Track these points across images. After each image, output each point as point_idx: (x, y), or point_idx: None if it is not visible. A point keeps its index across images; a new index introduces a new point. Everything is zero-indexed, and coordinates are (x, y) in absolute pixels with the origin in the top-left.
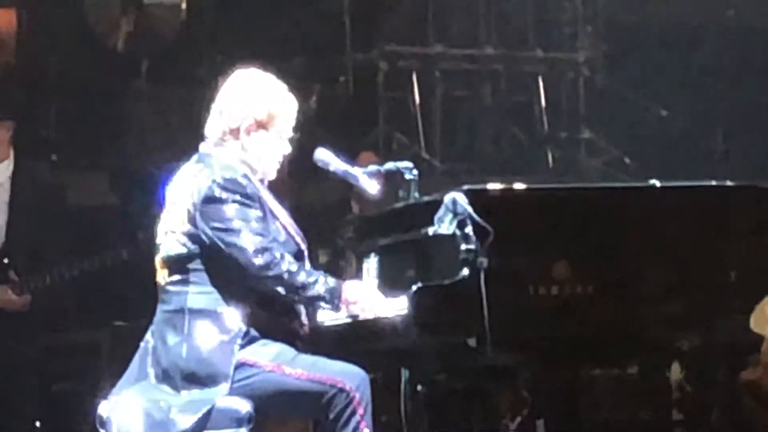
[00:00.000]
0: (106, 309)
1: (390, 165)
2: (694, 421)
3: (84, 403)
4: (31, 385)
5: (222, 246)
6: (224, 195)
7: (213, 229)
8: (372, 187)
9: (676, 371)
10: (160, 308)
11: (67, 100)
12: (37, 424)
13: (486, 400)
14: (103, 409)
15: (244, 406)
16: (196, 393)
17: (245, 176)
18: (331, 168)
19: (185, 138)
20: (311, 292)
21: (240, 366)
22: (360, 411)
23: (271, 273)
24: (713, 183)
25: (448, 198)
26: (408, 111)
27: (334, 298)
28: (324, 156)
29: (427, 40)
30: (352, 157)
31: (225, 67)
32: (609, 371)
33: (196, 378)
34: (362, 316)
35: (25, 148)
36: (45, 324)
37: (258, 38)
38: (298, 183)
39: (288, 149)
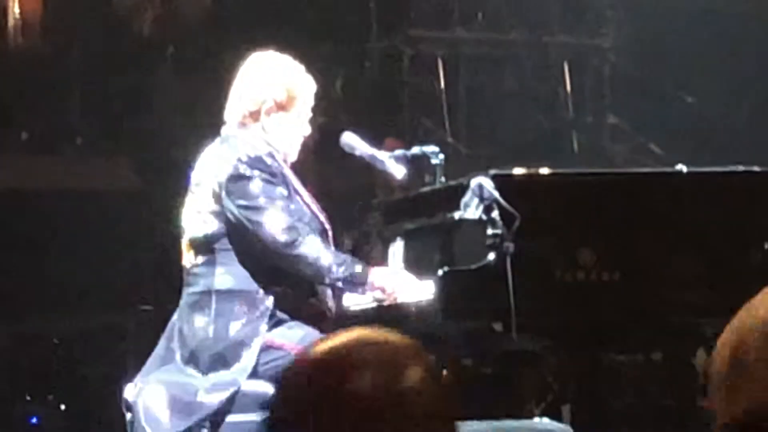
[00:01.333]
0: (131, 293)
1: (416, 149)
2: None
3: (109, 386)
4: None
5: (247, 223)
6: (250, 172)
7: (239, 207)
8: (398, 171)
9: (701, 357)
10: (186, 291)
11: (91, 84)
12: (62, 407)
13: (511, 386)
14: (129, 392)
15: (270, 390)
16: (222, 374)
17: (270, 155)
18: (357, 152)
19: (210, 123)
20: (337, 275)
21: (266, 348)
22: None
23: (296, 251)
24: (740, 168)
25: (474, 182)
26: (433, 96)
27: (360, 282)
28: (350, 140)
29: (452, 26)
30: (377, 143)
31: (250, 53)
32: (634, 357)
33: (222, 359)
34: (388, 302)
35: (49, 132)
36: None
37: (283, 24)
38: (325, 167)
39: (308, 130)
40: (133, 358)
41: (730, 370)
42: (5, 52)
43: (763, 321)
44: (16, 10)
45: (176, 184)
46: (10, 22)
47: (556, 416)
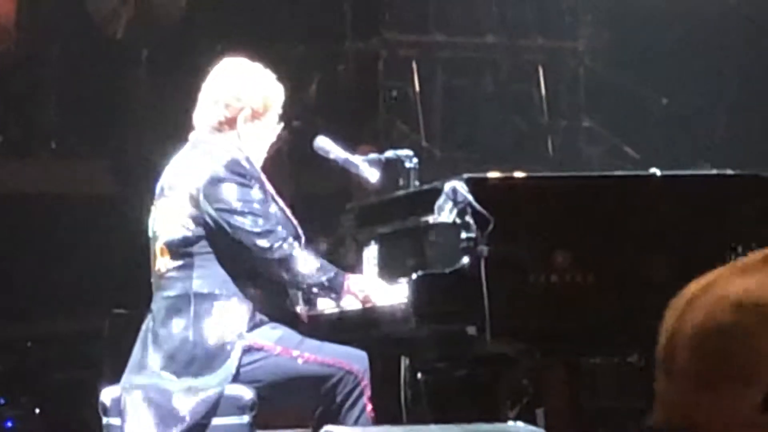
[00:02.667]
0: (106, 296)
1: (390, 153)
2: None
3: (84, 390)
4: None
5: (226, 227)
6: (228, 176)
7: (217, 210)
8: (372, 175)
9: None
10: (161, 295)
11: (66, 87)
12: (37, 410)
13: (486, 389)
14: (106, 396)
15: (247, 393)
16: (202, 379)
17: (246, 159)
18: (332, 156)
19: (185, 126)
20: (313, 279)
21: (247, 350)
22: (367, 393)
23: (275, 255)
24: (714, 172)
25: (448, 186)
26: (408, 99)
27: (335, 288)
28: (324, 144)
29: (428, 29)
30: (351, 146)
31: (225, 56)
32: (609, 360)
33: (202, 363)
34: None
35: (24, 135)
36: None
37: (257, 26)
38: (298, 171)
39: (274, 138)
40: (108, 361)
41: (660, 365)
42: None
43: (693, 326)
44: None
45: (152, 188)
46: None
47: (531, 420)
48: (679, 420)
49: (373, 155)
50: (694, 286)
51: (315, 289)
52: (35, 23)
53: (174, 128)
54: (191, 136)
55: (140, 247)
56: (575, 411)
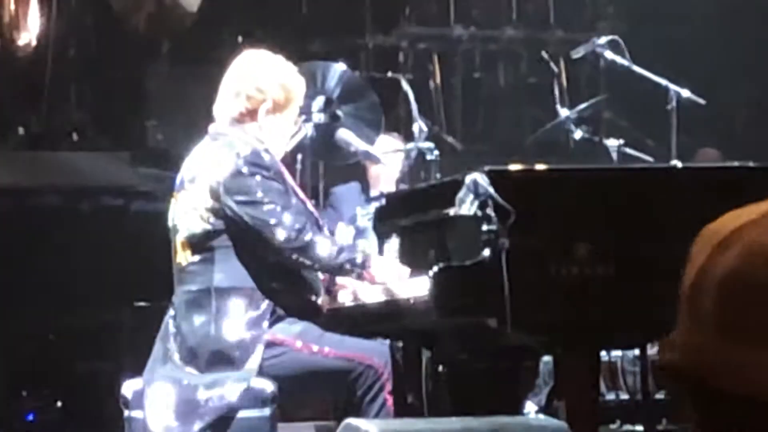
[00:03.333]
0: (128, 289)
1: (411, 146)
2: None
3: (106, 382)
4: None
5: (247, 219)
6: (249, 169)
7: (238, 203)
8: (393, 167)
9: None
10: (182, 289)
11: (87, 80)
12: (59, 403)
13: (506, 382)
14: (127, 389)
15: (269, 386)
16: (225, 373)
17: (266, 151)
18: (353, 149)
19: (206, 119)
20: (335, 263)
21: (269, 345)
22: (388, 387)
23: (296, 245)
24: (735, 164)
25: (469, 178)
26: (428, 92)
27: (359, 268)
28: (345, 136)
29: (448, 22)
30: (374, 137)
31: (245, 48)
32: (630, 352)
33: (225, 358)
34: (383, 293)
35: (45, 128)
36: (66, 304)
37: (278, 19)
38: (320, 164)
39: (295, 129)
40: (129, 354)
41: (683, 304)
42: (1, 49)
43: (724, 271)
44: (12, 6)
45: (172, 180)
46: (6, 18)
47: (552, 412)
48: (694, 366)
49: (394, 148)
50: (730, 222)
51: (337, 271)
52: (56, 16)
53: (195, 120)
54: (211, 128)
55: (161, 239)
56: (596, 403)
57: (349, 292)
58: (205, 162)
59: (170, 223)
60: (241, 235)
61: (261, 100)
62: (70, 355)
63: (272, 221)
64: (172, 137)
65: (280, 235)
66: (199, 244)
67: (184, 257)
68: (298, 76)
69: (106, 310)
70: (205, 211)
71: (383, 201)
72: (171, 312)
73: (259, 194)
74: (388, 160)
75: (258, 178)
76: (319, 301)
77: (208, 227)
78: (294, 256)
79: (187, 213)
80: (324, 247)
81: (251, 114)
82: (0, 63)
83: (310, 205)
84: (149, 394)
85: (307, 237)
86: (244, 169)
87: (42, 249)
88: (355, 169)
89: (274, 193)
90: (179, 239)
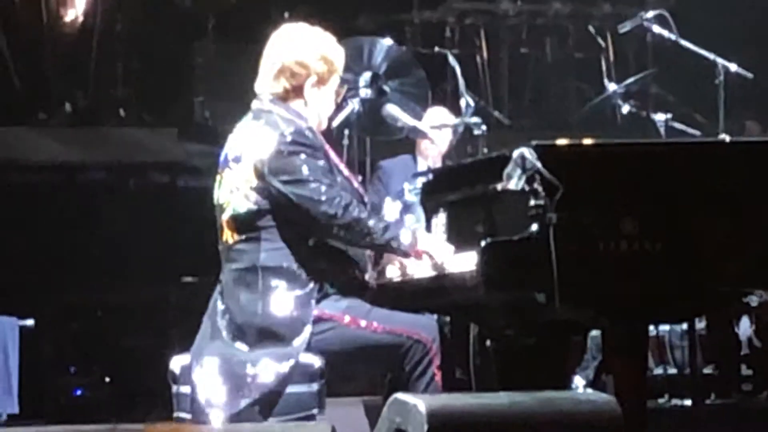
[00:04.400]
0: (174, 265)
1: (458, 121)
2: (762, 375)
3: (153, 358)
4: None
5: (293, 198)
6: (292, 148)
7: (283, 182)
8: (440, 142)
9: (745, 326)
10: (228, 267)
11: (134, 56)
12: (107, 379)
13: (554, 357)
14: (175, 364)
15: (317, 362)
16: (273, 350)
17: (310, 129)
18: (399, 124)
19: (251, 93)
20: (382, 240)
21: (316, 320)
22: (436, 362)
23: (342, 222)
24: None
25: (516, 153)
26: (475, 67)
27: (405, 246)
28: (393, 111)
29: None
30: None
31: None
32: (677, 327)
33: (272, 335)
34: (430, 269)
35: (92, 105)
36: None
37: None
38: (367, 139)
39: (338, 101)
40: (176, 330)
41: None
42: (47, 25)
43: None
44: None
45: (217, 156)
46: None
47: (600, 386)
48: None
49: (441, 122)
50: None
51: (384, 248)
52: None
53: (242, 97)
54: (254, 104)
55: (208, 215)
56: (644, 377)
57: (397, 267)
58: (249, 141)
59: (215, 201)
60: (287, 214)
61: (306, 75)
62: (117, 330)
63: (318, 199)
64: (219, 113)
65: (327, 212)
66: (245, 224)
67: (230, 236)
68: (338, 46)
69: (153, 285)
70: (250, 191)
71: (430, 176)
72: (219, 289)
73: (305, 173)
74: (435, 135)
75: (302, 156)
76: (366, 277)
77: (253, 207)
78: (341, 233)
79: (232, 192)
80: (370, 224)
81: (296, 90)
82: (47, 39)
83: (355, 182)
84: (198, 369)
85: (354, 214)
86: (288, 149)
87: (89, 225)
88: (405, 144)
89: (319, 171)
90: (225, 218)
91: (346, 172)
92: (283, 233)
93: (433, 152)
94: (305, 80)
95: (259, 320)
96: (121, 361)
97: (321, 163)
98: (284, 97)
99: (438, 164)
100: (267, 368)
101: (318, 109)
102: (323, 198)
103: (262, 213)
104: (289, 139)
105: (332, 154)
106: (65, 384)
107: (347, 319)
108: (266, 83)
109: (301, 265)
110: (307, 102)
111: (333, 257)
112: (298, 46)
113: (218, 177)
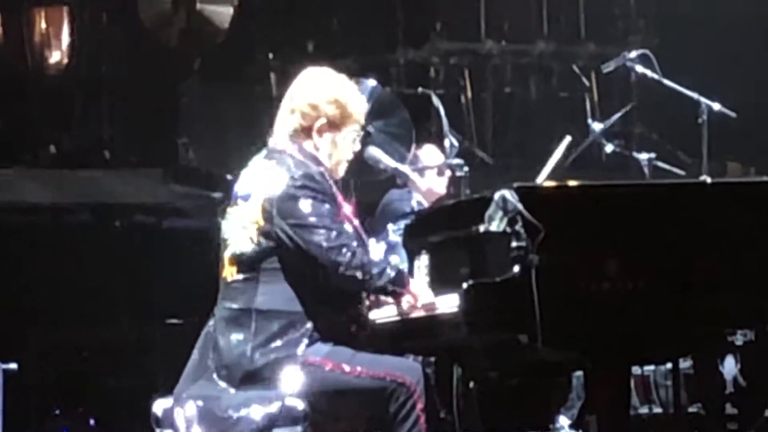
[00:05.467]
0: (159, 307)
1: (440, 162)
2: (748, 415)
3: (138, 400)
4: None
5: (301, 243)
6: (301, 192)
7: (291, 225)
8: (422, 183)
9: (730, 365)
10: (224, 305)
11: (118, 98)
12: (92, 421)
13: (537, 397)
14: (158, 407)
15: (300, 404)
16: (258, 392)
17: (320, 173)
18: (382, 166)
19: (237, 135)
20: (379, 283)
21: (300, 366)
22: (420, 405)
23: (348, 270)
24: (765, 178)
25: (498, 195)
26: (460, 107)
27: (399, 289)
28: (375, 153)
29: (479, 37)
30: (405, 153)
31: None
32: (662, 366)
33: (258, 378)
34: (414, 313)
35: (77, 147)
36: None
37: (310, 35)
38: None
39: (357, 148)
40: (161, 371)
41: None
42: (32, 67)
43: None
44: (42, 24)
45: (206, 197)
46: (36, 37)
47: (583, 427)
48: None
49: (423, 165)
50: None
51: (381, 292)
52: (88, 34)
53: (227, 137)
54: (270, 141)
55: (194, 257)
56: (627, 418)
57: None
58: (260, 180)
59: (222, 236)
60: (292, 258)
61: (315, 117)
62: (102, 372)
63: (327, 246)
64: (204, 154)
65: (335, 260)
66: (246, 262)
67: (230, 273)
68: (357, 94)
69: (138, 327)
70: (256, 231)
71: (413, 217)
72: (212, 323)
73: (312, 218)
74: (416, 178)
75: (311, 200)
76: (362, 321)
77: (257, 248)
78: (345, 280)
79: (238, 230)
80: (373, 271)
81: (306, 131)
82: (31, 81)
83: (358, 225)
84: (180, 412)
85: (358, 261)
86: (297, 192)
87: (74, 266)
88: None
89: (327, 216)
90: (227, 254)
91: (350, 215)
92: (285, 275)
93: (433, 191)
94: (315, 122)
95: (246, 362)
96: (106, 403)
97: (329, 207)
98: (296, 137)
99: (427, 202)
100: (250, 411)
101: (331, 153)
102: (330, 245)
103: (265, 254)
104: (299, 183)
105: (339, 198)
106: (50, 426)
107: (330, 364)
108: (281, 122)
109: (295, 311)
110: (317, 145)
111: (331, 302)
112: (312, 88)
113: (227, 210)
